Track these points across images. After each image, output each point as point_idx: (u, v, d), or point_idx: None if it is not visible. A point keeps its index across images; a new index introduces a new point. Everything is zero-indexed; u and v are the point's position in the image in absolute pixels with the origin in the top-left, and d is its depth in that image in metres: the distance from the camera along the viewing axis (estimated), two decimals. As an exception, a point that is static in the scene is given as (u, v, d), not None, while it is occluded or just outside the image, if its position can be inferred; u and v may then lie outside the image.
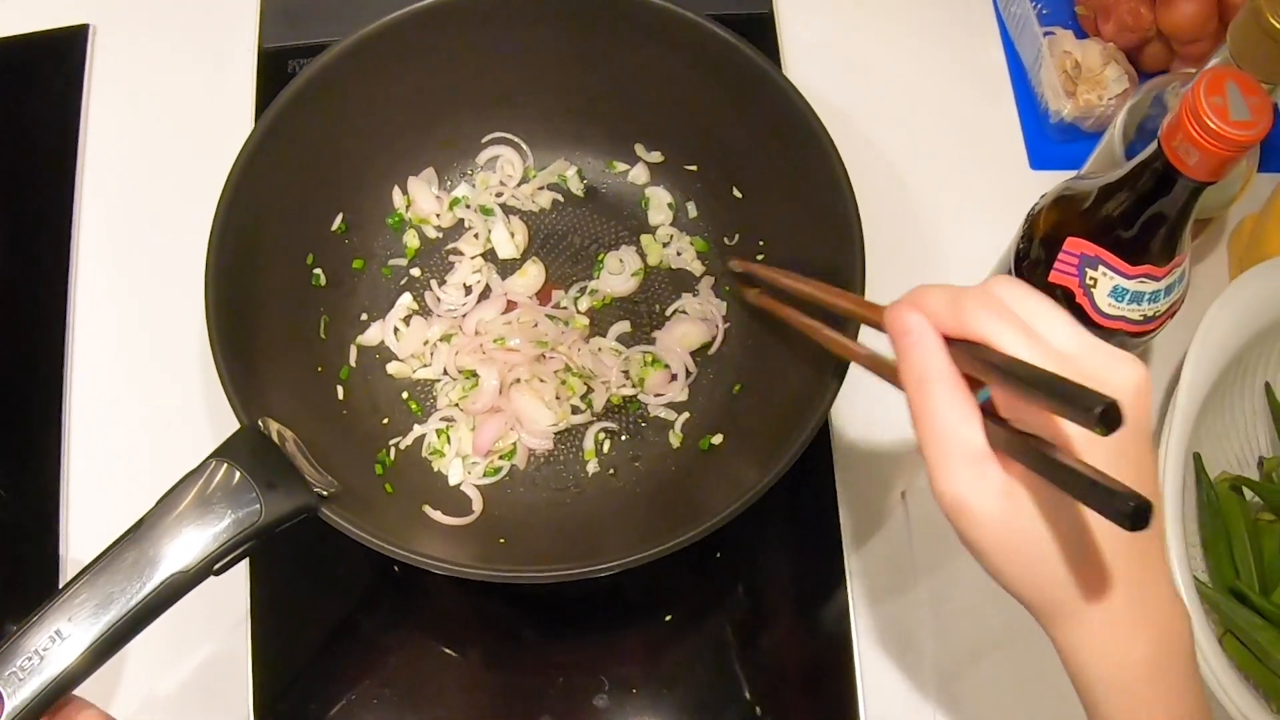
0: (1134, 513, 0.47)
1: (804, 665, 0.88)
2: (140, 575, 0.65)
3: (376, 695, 0.86)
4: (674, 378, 0.90)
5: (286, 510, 0.69)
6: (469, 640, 0.89)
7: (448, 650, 0.89)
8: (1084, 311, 0.74)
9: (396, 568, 0.90)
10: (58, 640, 0.63)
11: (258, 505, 0.68)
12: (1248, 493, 0.91)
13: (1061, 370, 0.52)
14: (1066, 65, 1.00)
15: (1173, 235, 0.71)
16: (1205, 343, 0.84)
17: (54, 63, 1.06)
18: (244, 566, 0.86)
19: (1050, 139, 1.03)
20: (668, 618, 0.89)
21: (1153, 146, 0.66)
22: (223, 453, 0.70)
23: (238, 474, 0.69)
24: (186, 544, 0.66)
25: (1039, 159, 1.03)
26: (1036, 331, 0.55)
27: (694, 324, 0.91)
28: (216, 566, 0.67)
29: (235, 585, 0.87)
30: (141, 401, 0.94)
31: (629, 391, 0.90)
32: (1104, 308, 0.74)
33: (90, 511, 0.90)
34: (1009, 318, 0.55)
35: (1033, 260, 0.77)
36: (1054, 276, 0.75)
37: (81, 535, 0.90)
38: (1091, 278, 0.74)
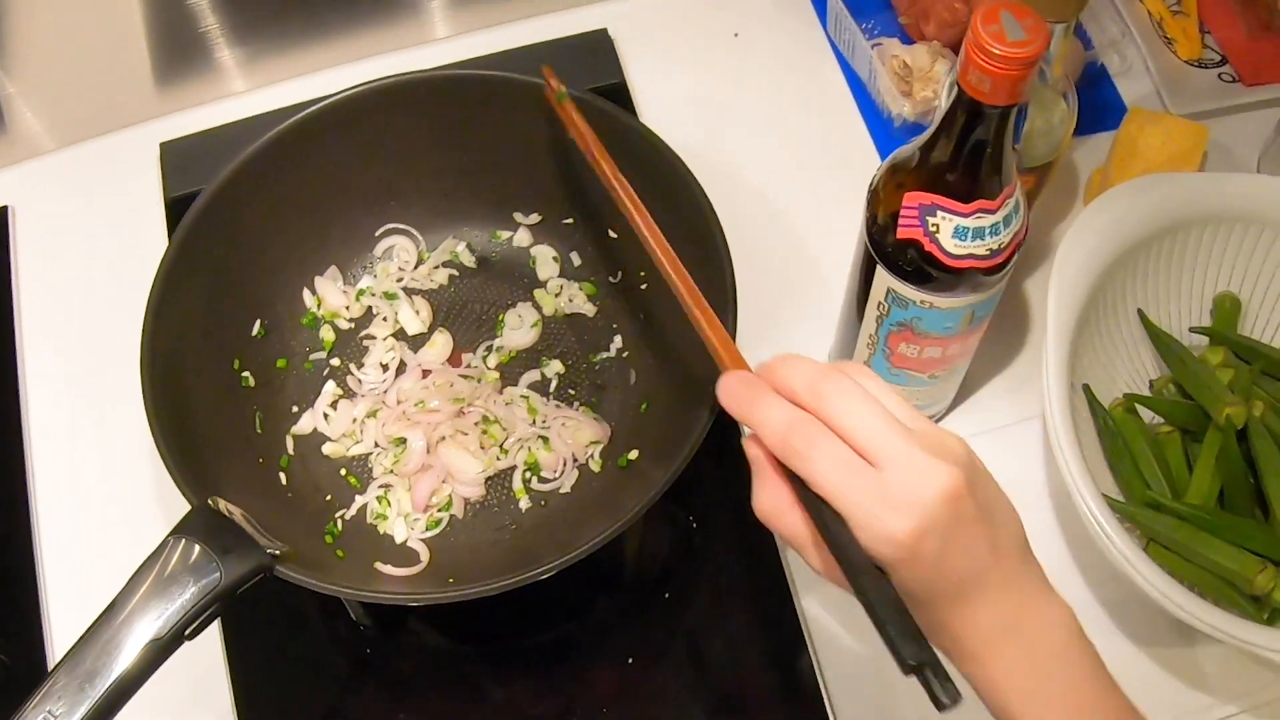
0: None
1: (767, 700, 0.97)
2: (117, 650, 0.73)
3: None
4: (563, 468, 1.00)
5: (244, 571, 0.78)
6: (437, 700, 0.98)
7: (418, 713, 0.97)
8: (934, 258, 0.82)
9: (369, 648, 0.98)
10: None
11: (218, 572, 0.76)
12: (1145, 412, 1.00)
13: (907, 436, 0.62)
14: (897, 68, 1.12)
15: (996, 166, 0.78)
16: (1064, 272, 0.93)
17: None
18: (221, 662, 0.96)
19: (898, 139, 1.15)
20: (630, 660, 0.97)
21: (954, 90, 0.74)
22: (179, 530, 0.79)
23: (196, 547, 0.77)
24: (155, 615, 0.74)
25: (891, 160, 1.15)
26: (883, 405, 0.63)
27: (589, 424, 1.01)
28: (187, 631, 0.75)
29: (215, 680, 0.96)
30: (104, 507, 1.03)
31: (527, 458, 1.00)
32: (951, 249, 0.81)
33: (70, 608, 0.99)
34: (860, 394, 0.63)
35: (881, 226, 0.85)
36: (901, 233, 0.82)
37: (65, 633, 0.98)
38: (933, 224, 0.81)
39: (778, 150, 1.18)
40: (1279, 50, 1.22)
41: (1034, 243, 1.09)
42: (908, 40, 1.18)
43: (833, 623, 0.98)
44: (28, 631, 0.98)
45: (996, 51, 0.68)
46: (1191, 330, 1.03)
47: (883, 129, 1.17)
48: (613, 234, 1.00)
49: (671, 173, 0.95)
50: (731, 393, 0.68)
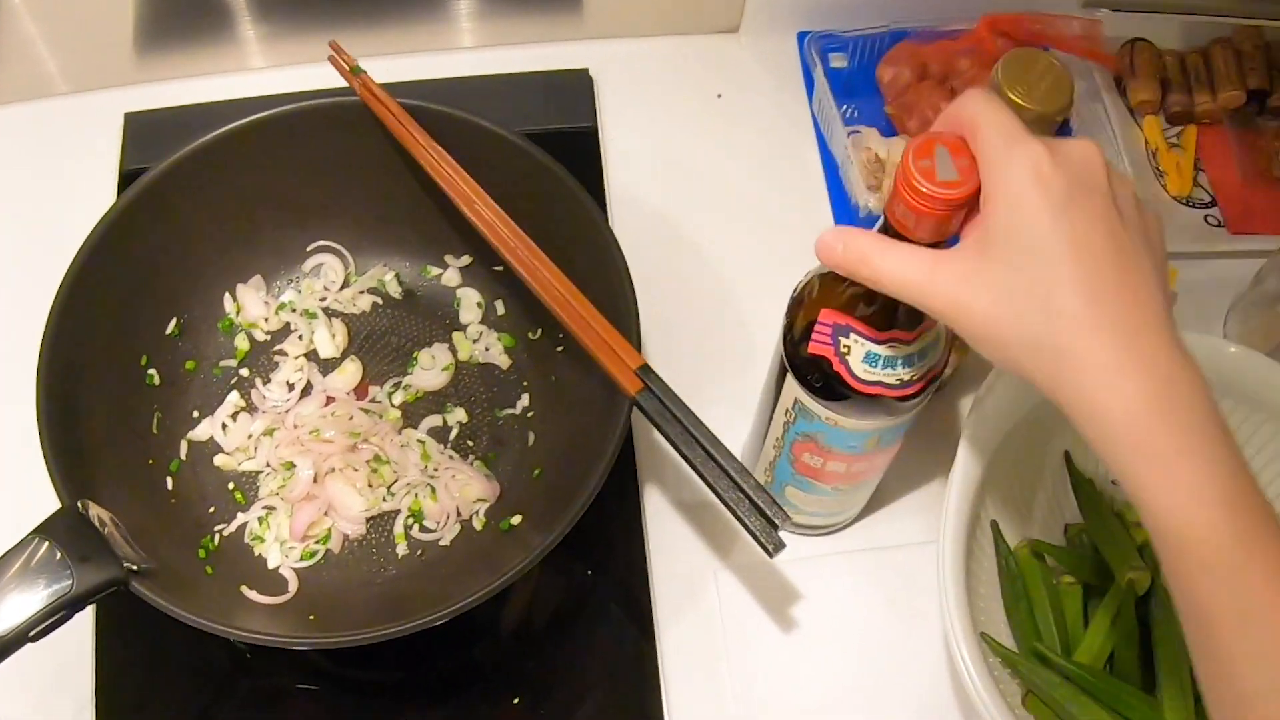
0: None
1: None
2: None
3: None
4: (446, 520, 1.03)
5: (98, 583, 0.81)
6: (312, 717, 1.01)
7: None
8: (842, 378, 0.83)
9: (247, 653, 1.01)
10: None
11: (70, 579, 0.80)
12: (1050, 558, 1.01)
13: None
14: (868, 160, 1.16)
15: (915, 303, 0.80)
16: (987, 401, 0.95)
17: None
18: (89, 649, 0.99)
19: (860, 231, 1.18)
20: (515, 700, 1.01)
21: (880, 219, 0.75)
22: (42, 530, 0.82)
23: (56, 550, 0.81)
24: (3, 613, 0.78)
25: (848, 250, 1.18)
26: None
27: (480, 481, 1.04)
28: (32, 633, 0.79)
29: (81, 666, 0.98)
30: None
31: (413, 505, 1.04)
32: (859, 374, 0.82)
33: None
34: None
35: (795, 336, 0.86)
36: (812, 348, 0.83)
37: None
38: (845, 345, 0.82)
39: (735, 220, 1.21)
40: (1271, 201, 1.25)
41: (976, 363, 1.12)
42: (890, 131, 1.21)
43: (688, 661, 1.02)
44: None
45: (923, 190, 0.68)
46: (1113, 483, 1.04)
47: (848, 217, 1.20)
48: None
49: (597, 236, 0.98)
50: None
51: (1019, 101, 0.84)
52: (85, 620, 0.99)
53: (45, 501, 0.86)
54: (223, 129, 1.03)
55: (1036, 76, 0.86)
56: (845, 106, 1.20)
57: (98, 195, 1.20)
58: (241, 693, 1.01)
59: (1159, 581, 0.97)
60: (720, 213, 1.22)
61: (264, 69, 1.30)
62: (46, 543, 0.82)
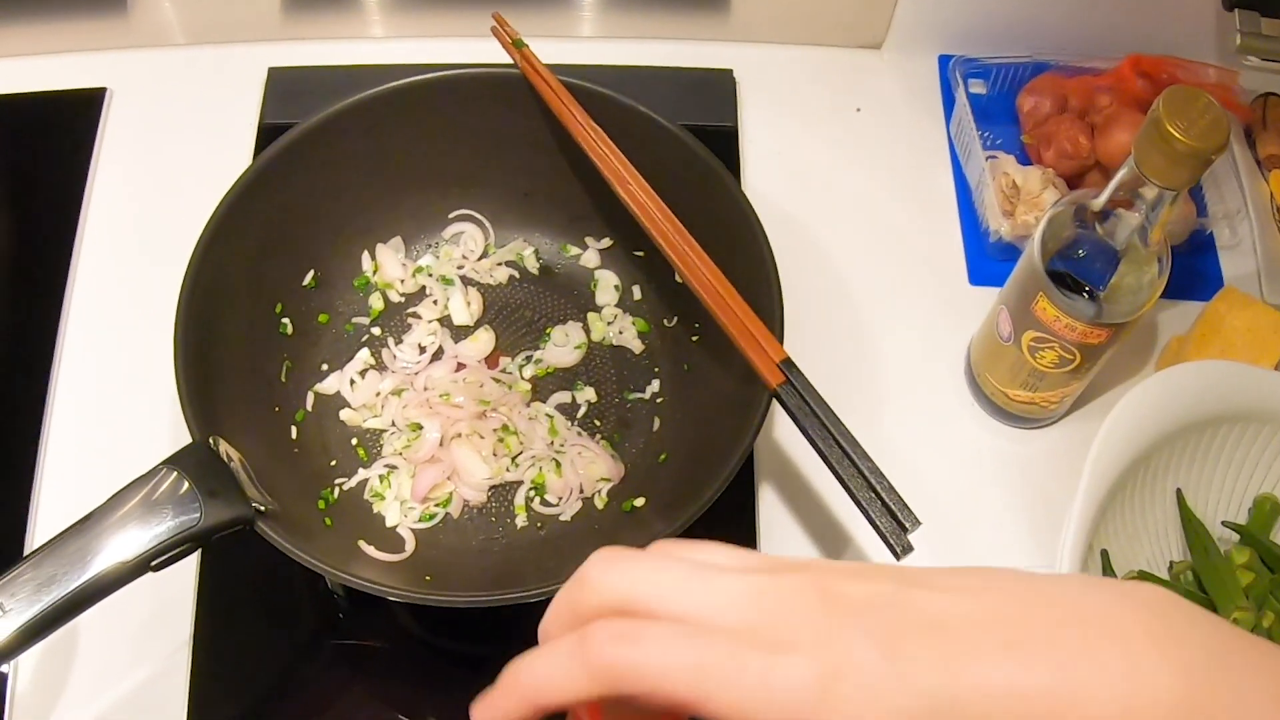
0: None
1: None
2: (82, 562, 0.73)
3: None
4: (569, 496, 0.99)
5: (224, 519, 0.78)
6: (396, 684, 0.96)
7: (387, 699, 0.95)
8: None
9: (341, 611, 0.98)
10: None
11: (198, 511, 0.77)
12: None
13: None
14: (1005, 186, 1.11)
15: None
16: (1112, 433, 0.91)
17: (71, 120, 1.19)
18: (191, 593, 0.95)
19: (989, 257, 1.14)
20: None
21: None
22: (173, 461, 0.79)
23: (185, 482, 0.78)
24: (128, 539, 0.74)
25: (977, 275, 1.14)
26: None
27: (605, 460, 1.00)
28: (154, 563, 0.75)
29: (180, 609, 0.95)
30: (116, 415, 1.04)
31: (536, 477, 0.99)
32: None
33: (56, 508, 0.99)
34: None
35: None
36: None
37: (48, 527, 0.98)
38: None
39: (864, 233, 1.17)
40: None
41: (1094, 394, 1.08)
42: (1025, 160, 1.16)
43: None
44: (14, 503, 0.99)
45: None
46: (1224, 524, 1.00)
47: (977, 241, 1.15)
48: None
49: (750, 237, 0.94)
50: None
51: (1178, 135, 0.80)
52: (189, 564, 0.96)
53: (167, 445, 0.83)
54: (380, 88, 1.00)
55: (1197, 113, 0.81)
56: (982, 132, 1.16)
57: (237, 145, 1.17)
58: (329, 651, 0.97)
59: (1263, 625, 0.94)
60: (850, 225, 1.17)
61: (398, 38, 1.26)
62: (175, 473, 0.79)
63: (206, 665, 0.93)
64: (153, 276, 0.97)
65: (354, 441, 1.01)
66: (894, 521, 0.81)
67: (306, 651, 0.97)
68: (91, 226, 1.13)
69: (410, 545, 0.96)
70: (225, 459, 0.82)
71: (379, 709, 0.95)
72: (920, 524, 0.80)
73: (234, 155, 1.14)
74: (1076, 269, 0.91)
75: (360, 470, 0.99)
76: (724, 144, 1.16)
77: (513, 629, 0.95)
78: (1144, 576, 0.97)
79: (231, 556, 0.95)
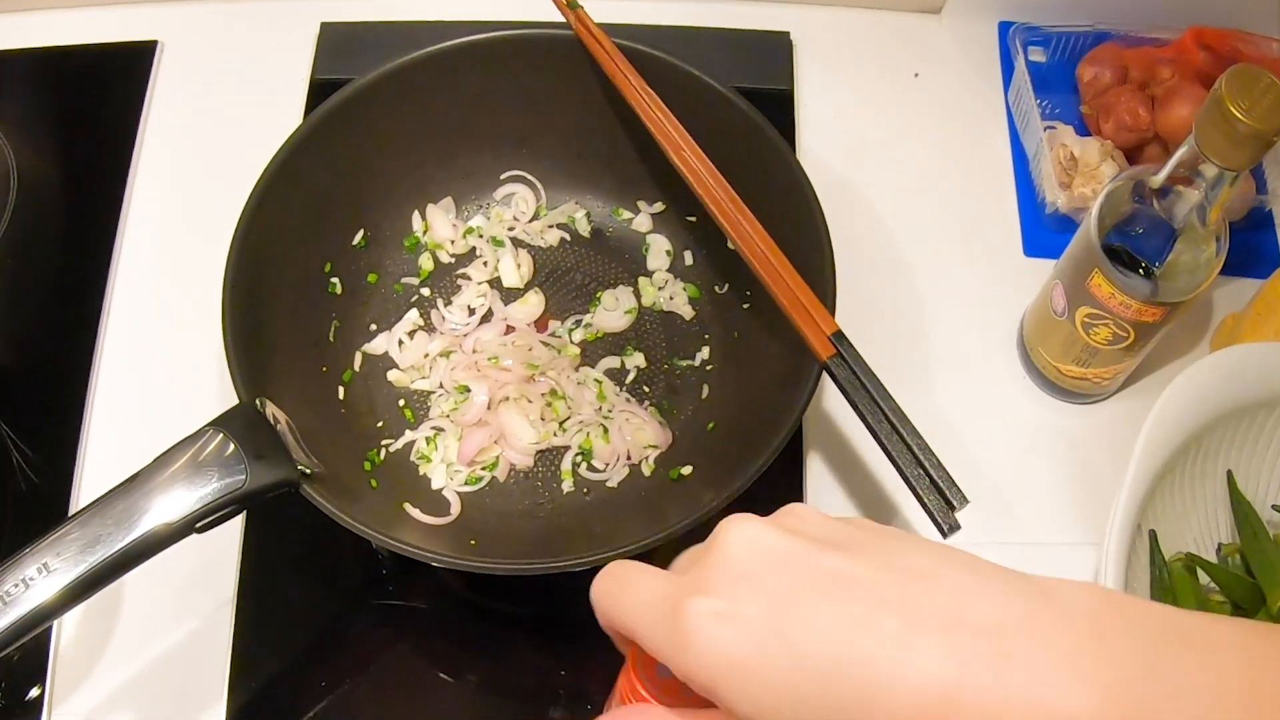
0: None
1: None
2: (128, 522, 0.72)
3: (352, 689, 0.91)
4: (616, 462, 0.97)
5: (270, 481, 0.76)
6: (441, 645, 0.95)
7: (430, 659, 0.94)
8: None
9: (384, 570, 0.96)
10: (45, 572, 0.69)
11: (244, 473, 0.75)
12: (1201, 574, 0.95)
13: None
14: (1062, 158, 1.08)
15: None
16: (1164, 412, 0.88)
17: (122, 72, 1.16)
18: (235, 551, 0.94)
19: (1045, 228, 1.10)
20: None
21: None
22: (219, 422, 0.78)
23: (231, 443, 0.76)
24: (174, 500, 0.73)
25: (1033, 246, 1.10)
26: None
27: (654, 427, 0.97)
28: (199, 525, 0.74)
29: (225, 567, 0.94)
30: (162, 375, 1.02)
31: (583, 443, 0.97)
32: None
33: (103, 468, 0.98)
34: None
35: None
36: None
37: (92, 487, 0.96)
38: None
39: (919, 198, 1.13)
40: None
41: (1147, 370, 1.05)
42: (1084, 131, 1.12)
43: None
44: (61, 462, 0.97)
45: None
46: (1274, 507, 0.97)
47: (1032, 211, 1.12)
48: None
49: (803, 205, 0.91)
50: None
51: (1240, 116, 0.77)
52: (234, 521, 0.93)
53: (214, 406, 0.82)
54: (433, 48, 0.97)
55: (1260, 93, 0.78)
56: (1041, 101, 1.12)
57: (288, 101, 1.15)
58: (373, 610, 0.96)
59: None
60: (905, 191, 1.13)
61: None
62: (222, 434, 0.77)
63: (250, 622, 0.92)
64: (201, 234, 0.95)
65: (401, 403, 0.99)
66: (941, 499, 0.78)
67: (350, 610, 0.96)
68: (141, 182, 1.11)
69: (456, 508, 0.94)
70: (272, 421, 0.81)
71: (422, 668, 0.94)
72: (968, 502, 0.78)
73: (285, 111, 1.12)
74: (1133, 245, 0.88)
75: (407, 432, 0.97)
76: (779, 108, 1.13)
77: (556, 591, 0.94)
78: (1191, 559, 0.94)
79: (277, 515, 0.93)
